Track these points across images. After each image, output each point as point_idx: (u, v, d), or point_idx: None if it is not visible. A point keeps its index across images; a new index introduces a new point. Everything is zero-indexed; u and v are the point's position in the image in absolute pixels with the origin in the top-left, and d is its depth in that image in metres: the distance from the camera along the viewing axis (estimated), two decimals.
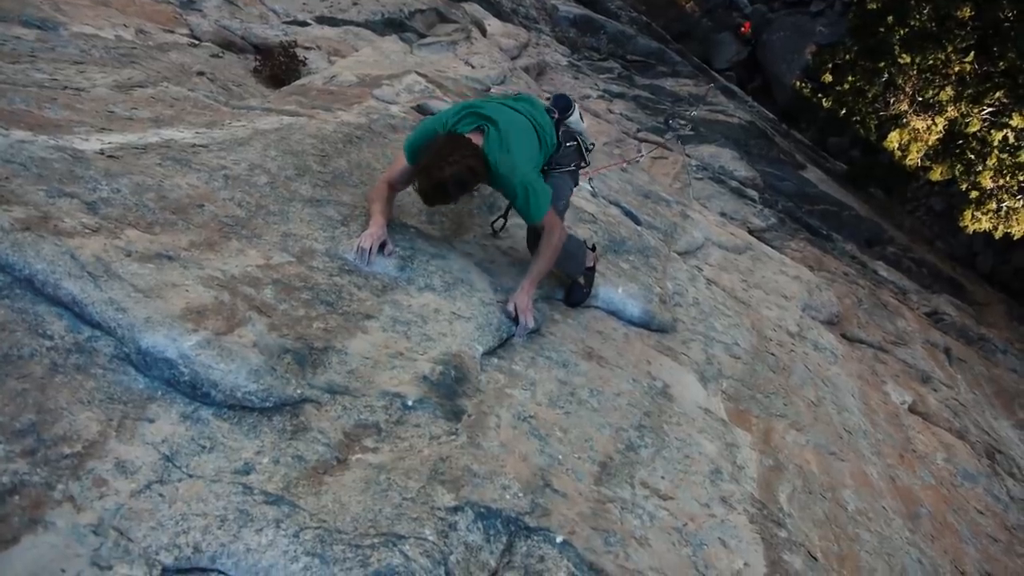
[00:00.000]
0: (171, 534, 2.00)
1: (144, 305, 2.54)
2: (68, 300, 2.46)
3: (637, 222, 6.18)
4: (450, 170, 3.33)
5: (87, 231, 2.77)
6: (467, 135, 3.54)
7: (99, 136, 3.62)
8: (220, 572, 2.01)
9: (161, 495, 2.08)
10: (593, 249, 4.53)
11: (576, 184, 4.46)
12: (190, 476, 2.18)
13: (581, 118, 4.46)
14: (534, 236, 3.94)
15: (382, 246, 3.62)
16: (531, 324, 3.70)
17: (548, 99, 4.37)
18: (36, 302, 2.43)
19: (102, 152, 3.41)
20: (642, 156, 9.23)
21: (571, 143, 4.28)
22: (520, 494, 2.67)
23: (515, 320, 3.68)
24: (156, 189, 3.28)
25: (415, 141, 3.67)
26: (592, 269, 4.47)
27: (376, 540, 2.21)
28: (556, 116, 4.23)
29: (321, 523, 2.20)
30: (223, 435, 2.36)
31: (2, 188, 2.78)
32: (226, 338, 2.61)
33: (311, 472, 2.37)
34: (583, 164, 4.45)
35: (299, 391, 2.63)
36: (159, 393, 2.39)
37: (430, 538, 2.30)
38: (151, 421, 2.28)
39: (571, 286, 4.35)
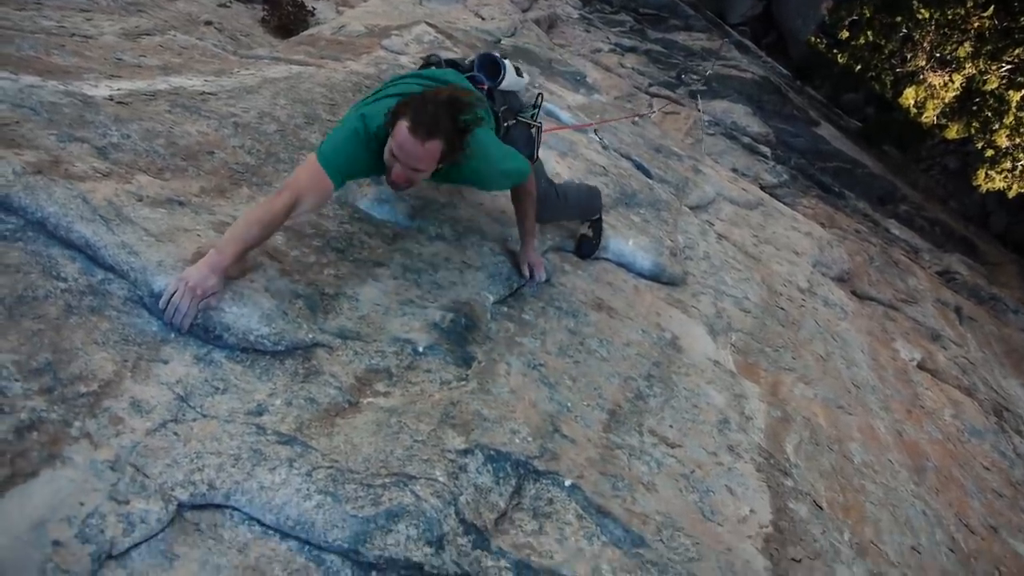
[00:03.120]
0: (186, 471, 2.04)
1: (156, 249, 2.56)
2: (81, 243, 2.48)
3: (649, 176, 6.16)
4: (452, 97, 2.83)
5: (98, 175, 2.78)
6: None
7: (108, 83, 3.62)
8: (234, 508, 2.06)
9: (176, 434, 2.12)
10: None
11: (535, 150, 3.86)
12: (204, 416, 2.21)
13: (518, 73, 3.83)
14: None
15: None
16: (543, 277, 3.69)
17: (471, 62, 3.73)
18: (49, 245, 2.46)
19: (111, 98, 3.41)
20: (653, 112, 9.15)
21: (511, 122, 3.68)
22: (529, 439, 2.71)
23: (530, 276, 3.68)
24: (166, 135, 3.28)
25: (338, 154, 2.87)
26: (599, 220, 4.47)
27: (388, 480, 2.25)
28: (486, 86, 3.61)
29: (333, 463, 2.23)
30: (236, 377, 2.39)
31: (13, 132, 2.79)
32: (238, 282, 2.63)
33: (323, 414, 2.41)
34: (536, 126, 3.84)
35: (311, 335, 2.65)
36: (172, 335, 2.41)
37: (440, 479, 2.34)
38: (165, 362, 2.31)
39: (581, 238, 4.36)
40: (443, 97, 2.78)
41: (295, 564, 2.01)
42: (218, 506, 2.04)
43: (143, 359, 2.28)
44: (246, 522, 2.05)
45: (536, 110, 3.90)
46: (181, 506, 1.98)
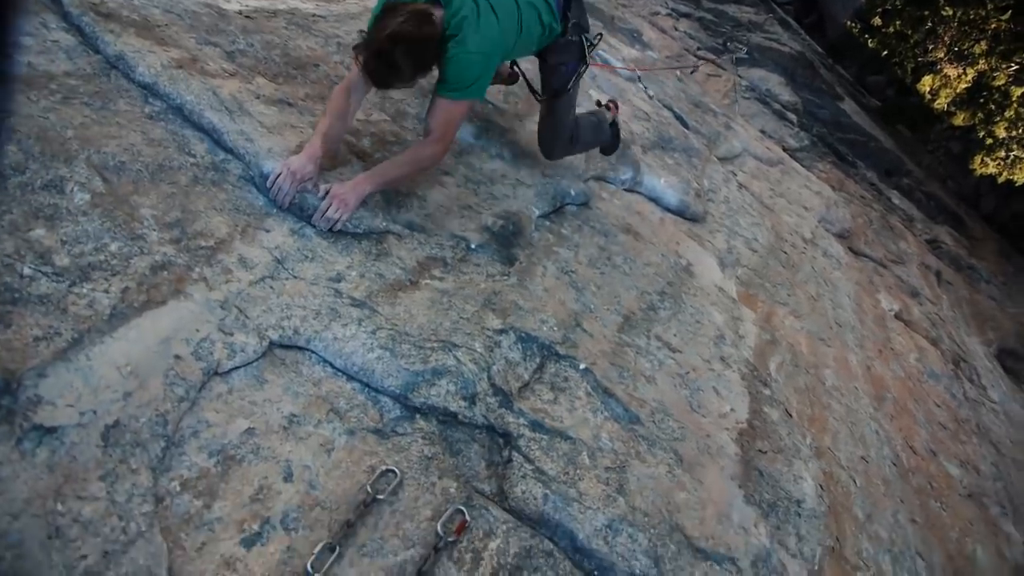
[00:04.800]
0: (278, 318, 2.17)
1: (267, 139, 2.65)
2: (209, 128, 2.59)
3: (686, 126, 6.09)
4: (393, 29, 2.45)
5: (226, 74, 2.87)
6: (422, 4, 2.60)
7: (238, 1, 3.67)
8: (312, 351, 2.19)
9: (272, 288, 2.24)
10: (608, 108, 4.16)
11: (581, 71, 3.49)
12: (294, 277, 2.33)
13: None
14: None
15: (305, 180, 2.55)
16: (334, 216, 2.54)
17: None
18: (184, 126, 2.57)
19: (240, 12, 3.47)
20: (696, 67, 8.94)
21: (574, 38, 3.31)
22: (555, 328, 2.80)
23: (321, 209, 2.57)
24: (282, 48, 3.34)
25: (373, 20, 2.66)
26: (615, 123, 4.14)
27: (436, 345, 2.37)
28: None
29: (393, 326, 2.35)
30: (322, 250, 2.50)
31: (163, 32, 2.88)
32: (330, 173, 2.73)
33: (389, 287, 2.52)
34: (583, 68, 3.45)
35: (384, 224, 2.74)
36: (274, 210, 2.52)
37: (478, 350, 2.45)
38: (267, 231, 2.43)
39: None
40: (385, 38, 2.46)
41: (356, 400, 2.16)
42: (300, 348, 2.18)
43: (250, 226, 2.40)
44: (321, 363, 2.19)
45: (592, 44, 3.46)
46: (272, 344, 2.12)
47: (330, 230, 2.55)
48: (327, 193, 2.55)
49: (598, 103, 4.27)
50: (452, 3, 2.67)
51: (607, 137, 4.04)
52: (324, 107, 2.98)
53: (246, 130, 2.62)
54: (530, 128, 3.99)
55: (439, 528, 1.93)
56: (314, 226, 2.53)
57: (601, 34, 3.70)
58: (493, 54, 2.80)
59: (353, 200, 2.58)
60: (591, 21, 3.63)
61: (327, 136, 2.65)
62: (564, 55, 3.35)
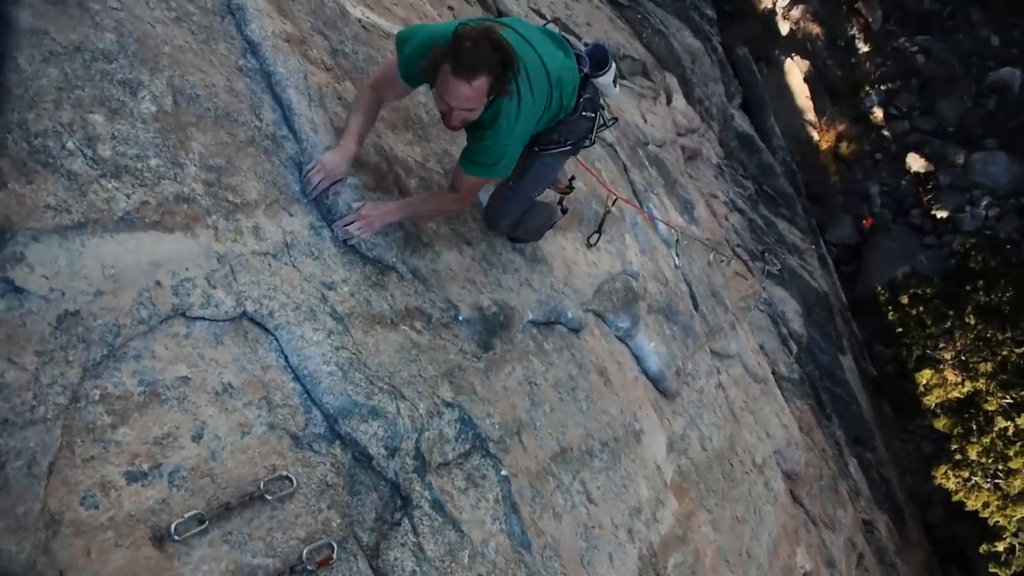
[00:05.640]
0: (261, 293, 2.26)
1: (330, 136, 2.79)
2: (286, 104, 2.74)
3: (696, 307, 6.31)
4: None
5: (323, 66, 3.06)
6: None
7: (363, 9, 3.91)
8: (275, 339, 2.27)
9: (269, 265, 2.34)
10: (564, 212, 4.03)
11: (574, 154, 3.52)
12: (293, 266, 2.43)
13: (615, 82, 3.32)
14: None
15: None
16: (354, 231, 2.64)
17: (585, 45, 3.27)
18: (264, 92, 2.72)
19: (359, 21, 3.70)
20: (729, 260, 9.34)
21: (589, 114, 3.26)
22: (496, 426, 2.88)
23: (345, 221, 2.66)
24: (380, 66, 3.55)
25: (414, 49, 2.65)
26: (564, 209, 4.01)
27: (385, 387, 2.45)
28: (585, 71, 3.12)
29: (357, 352, 2.44)
30: (328, 255, 2.61)
31: (287, 5, 3.08)
32: (370, 193, 2.87)
33: (370, 317, 2.61)
34: (587, 143, 3.42)
35: (394, 260, 2.86)
36: (304, 201, 2.64)
37: (421, 411, 2.53)
38: (290, 215, 2.54)
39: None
40: (478, 31, 2.41)
41: (291, 401, 2.22)
42: (266, 330, 2.26)
43: (277, 203, 2.51)
44: (277, 352, 2.26)
45: (605, 124, 3.47)
46: (244, 314, 2.20)
47: (345, 242, 2.67)
48: (358, 209, 2.69)
49: (568, 187, 3.91)
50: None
51: (544, 232, 3.90)
52: (364, 120, 2.83)
53: (316, 121, 2.78)
54: (558, 243, 4.18)
55: (304, 553, 1.96)
56: (333, 231, 2.65)
57: (616, 118, 3.65)
58: (525, 135, 2.85)
59: (378, 224, 2.72)
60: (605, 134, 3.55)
61: (360, 134, 2.77)
62: (563, 135, 3.26)
